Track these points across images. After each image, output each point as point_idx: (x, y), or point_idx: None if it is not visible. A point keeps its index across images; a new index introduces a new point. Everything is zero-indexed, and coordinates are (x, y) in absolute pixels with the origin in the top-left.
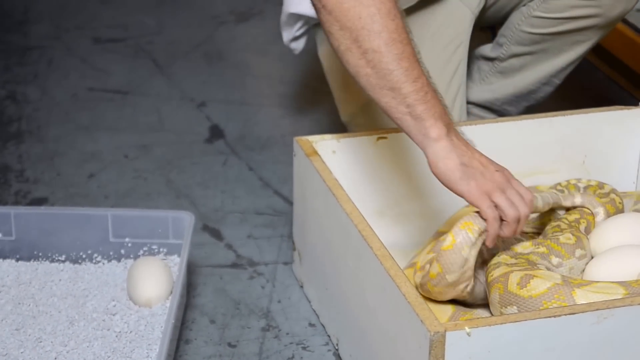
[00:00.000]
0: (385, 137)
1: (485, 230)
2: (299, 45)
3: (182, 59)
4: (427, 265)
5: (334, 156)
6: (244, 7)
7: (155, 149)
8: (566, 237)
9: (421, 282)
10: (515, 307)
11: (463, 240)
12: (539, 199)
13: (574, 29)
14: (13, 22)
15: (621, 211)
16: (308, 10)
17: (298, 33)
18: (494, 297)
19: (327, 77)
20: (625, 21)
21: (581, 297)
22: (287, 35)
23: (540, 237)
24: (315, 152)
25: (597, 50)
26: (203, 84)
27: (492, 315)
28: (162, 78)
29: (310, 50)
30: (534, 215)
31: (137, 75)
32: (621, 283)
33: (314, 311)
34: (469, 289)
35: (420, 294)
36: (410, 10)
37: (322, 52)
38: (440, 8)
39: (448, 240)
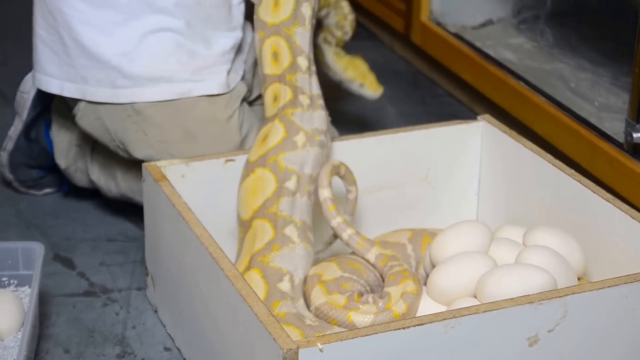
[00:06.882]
0: (233, 160)
1: None
2: None
3: None
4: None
5: (184, 180)
6: None
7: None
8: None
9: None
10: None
11: None
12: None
13: None
14: None
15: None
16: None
17: None
18: None
19: None
20: (461, 38)
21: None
22: None
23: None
24: (164, 177)
25: (436, 67)
26: None
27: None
28: None
29: None
30: None
31: None
32: None
33: (169, 335)
34: None
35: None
36: None
37: None
38: None
39: None
